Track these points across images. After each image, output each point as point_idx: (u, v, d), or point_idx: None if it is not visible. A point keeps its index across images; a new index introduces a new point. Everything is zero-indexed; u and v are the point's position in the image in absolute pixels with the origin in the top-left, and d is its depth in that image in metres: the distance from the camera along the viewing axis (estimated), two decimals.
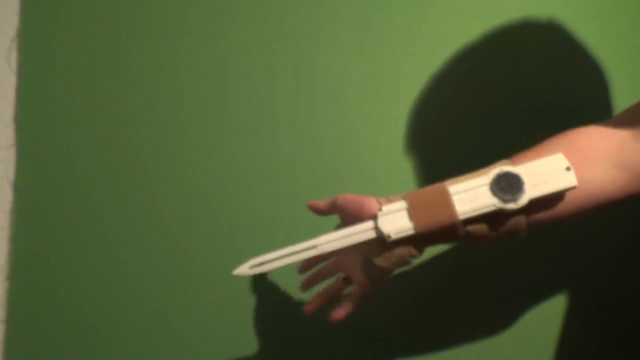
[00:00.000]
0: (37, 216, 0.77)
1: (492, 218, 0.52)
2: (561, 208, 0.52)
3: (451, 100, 0.79)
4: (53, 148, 0.78)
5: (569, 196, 0.52)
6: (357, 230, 0.54)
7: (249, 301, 0.76)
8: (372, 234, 0.54)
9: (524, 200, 0.51)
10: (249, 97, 0.79)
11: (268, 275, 0.77)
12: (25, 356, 0.76)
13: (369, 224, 0.54)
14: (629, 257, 0.77)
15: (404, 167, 0.78)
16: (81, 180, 0.78)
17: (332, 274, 0.64)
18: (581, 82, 0.79)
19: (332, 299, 0.64)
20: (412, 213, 0.52)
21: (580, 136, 0.54)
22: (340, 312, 0.59)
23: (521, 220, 0.52)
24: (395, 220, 0.53)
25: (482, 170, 0.54)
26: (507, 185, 0.51)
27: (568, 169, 0.51)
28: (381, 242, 0.54)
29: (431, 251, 0.77)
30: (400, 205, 0.53)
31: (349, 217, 0.56)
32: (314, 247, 0.55)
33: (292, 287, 0.76)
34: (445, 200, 0.52)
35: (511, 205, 0.51)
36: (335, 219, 0.64)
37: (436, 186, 0.54)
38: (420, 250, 0.55)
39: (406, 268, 0.75)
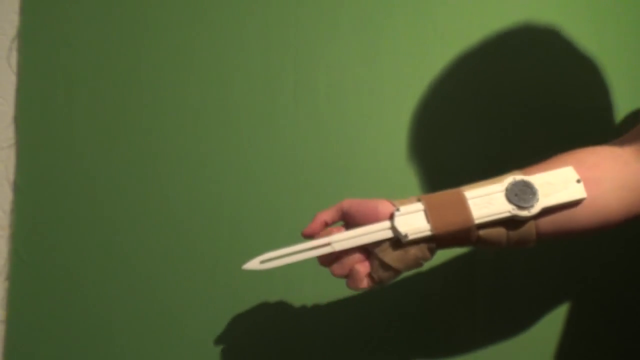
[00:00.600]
0: (37, 216, 0.77)
1: (505, 224, 0.54)
2: (567, 224, 0.54)
3: (452, 100, 0.79)
4: (53, 148, 0.78)
5: (575, 213, 0.54)
6: (373, 230, 0.54)
7: (251, 303, 0.76)
8: (388, 234, 0.54)
9: (537, 208, 0.52)
10: (249, 96, 0.79)
11: (273, 273, 0.77)
12: (25, 356, 0.76)
13: (386, 223, 0.54)
14: (629, 258, 0.77)
15: (405, 167, 0.78)
16: (81, 180, 0.78)
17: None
18: (583, 84, 0.79)
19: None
20: (429, 215, 0.53)
21: (589, 156, 0.56)
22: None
23: (531, 229, 0.54)
24: (412, 221, 0.53)
25: (494, 179, 0.55)
26: (522, 192, 0.53)
27: (578, 181, 0.53)
28: (395, 243, 0.54)
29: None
30: (417, 206, 0.54)
31: (360, 221, 0.56)
32: (328, 244, 0.55)
33: (294, 286, 0.76)
34: (462, 204, 0.53)
35: (524, 213, 0.52)
36: None
37: (452, 191, 0.55)
38: (432, 253, 0.55)
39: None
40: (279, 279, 0.76)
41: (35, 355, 0.76)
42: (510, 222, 0.53)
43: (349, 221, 0.57)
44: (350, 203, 0.57)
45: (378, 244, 0.55)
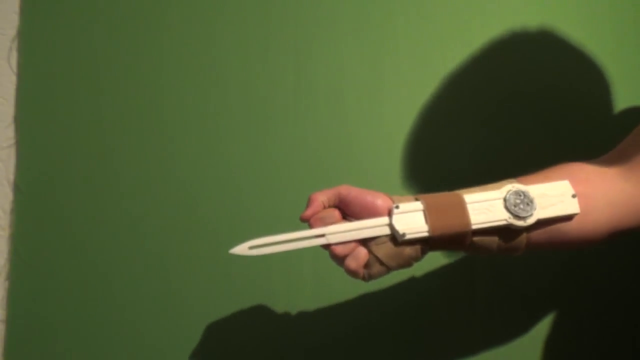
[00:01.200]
0: (37, 216, 0.77)
1: (498, 232, 0.54)
2: (558, 236, 0.55)
3: (452, 100, 0.79)
4: (53, 148, 0.78)
5: (566, 226, 0.54)
6: (369, 225, 0.54)
7: (251, 303, 0.76)
8: (385, 230, 0.53)
9: (532, 219, 0.53)
10: (249, 96, 0.79)
11: (273, 273, 0.76)
12: (25, 356, 0.76)
13: (383, 219, 0.54)
14: (628, 260, 0.77)
15: (404, 168, 0.78)
16: (81, 179, 0.78)
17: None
18: (583, 84, 0.79)
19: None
20: (428, 215, 0.53)
21: (580, 171, 0.57)
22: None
23: (523, 239, 0.54)
24: (410, 220, 0.53)
25: (492, 185, 0.55)
26: (520, 202, 0.53)
27: (574, 196, 0.54)
28: (390, 240, 0.54)
29: (431, 255, 0.77)
30: (416, 205, 0.54)
31: (356, 210, 0.55)
32: (322, 235, 0.54)
33: (294, 285, 0.76)
34: (462, 208, 0.53)
35: (520, 223, 0.53)
36: None
37: (452, 193, 0.55)
38: (424, 254, 0.55)
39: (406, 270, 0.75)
40: (279, 278, 0.76)
41: (35, 355, 0.76)
42: (504, 230, 0.54)
43: (344, 208, 0.55)
44: (348, 190, 0.55)
45: (373, 238, 0.54)
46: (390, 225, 0.53)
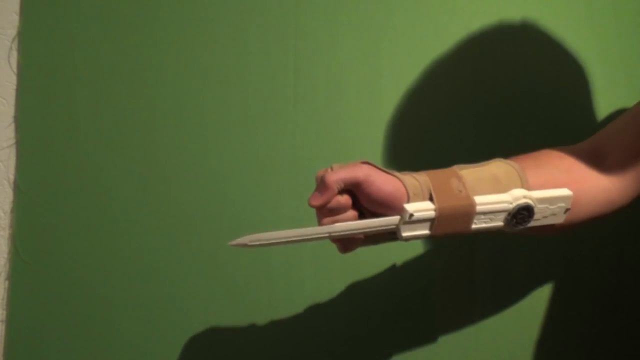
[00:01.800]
0: (37, 216, 0.77)
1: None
2: (537, 229, 0.56)
3: (452, 100, 0.79)
4: (53, 148, 0.78)
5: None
6: (375, 225, 0.51)
7: (251, 302, 0.76)
8: (389, 228, 0.52)
9: (524, 226, 0.54)
10: (249, 96, 0.79)
11: (272, 273, 0.76)
12: (25, 356, 0.76)
13: (392, 223, 0.52)
14: (629, 255, 0.77)
15: (404, 167, 0.78)
16: (81, 179, 0.78)
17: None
18: (581, 83, 0.79)
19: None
20: (436, 226, 0.52)
21: (561, 160, 0.59)
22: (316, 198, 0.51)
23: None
24: (417, 228, 0.52)
25: (499, 169, 0.55)
26: (522, 217, 0.54)
27: (566, 211, 0.55)
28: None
29: (431, 255, 0.77)
30: (429, 214, 0.52)
31: (370, 199, 0.51)
32: (327, 234, 0.51)
33: (294, 285, 0.76)
34: (468, 219, 0.53)
35: (512, 228, 0.55)
36: None
37: (466, 198, 0.53)
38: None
39: (408, 263, 0.75)
40: (279, 278, 0.76)
41: (35, 355, 0.76)
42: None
43: (357, 193, 0.52)
44: (367, 176, 0.51)
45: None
46: (397, 231, 0.52)
